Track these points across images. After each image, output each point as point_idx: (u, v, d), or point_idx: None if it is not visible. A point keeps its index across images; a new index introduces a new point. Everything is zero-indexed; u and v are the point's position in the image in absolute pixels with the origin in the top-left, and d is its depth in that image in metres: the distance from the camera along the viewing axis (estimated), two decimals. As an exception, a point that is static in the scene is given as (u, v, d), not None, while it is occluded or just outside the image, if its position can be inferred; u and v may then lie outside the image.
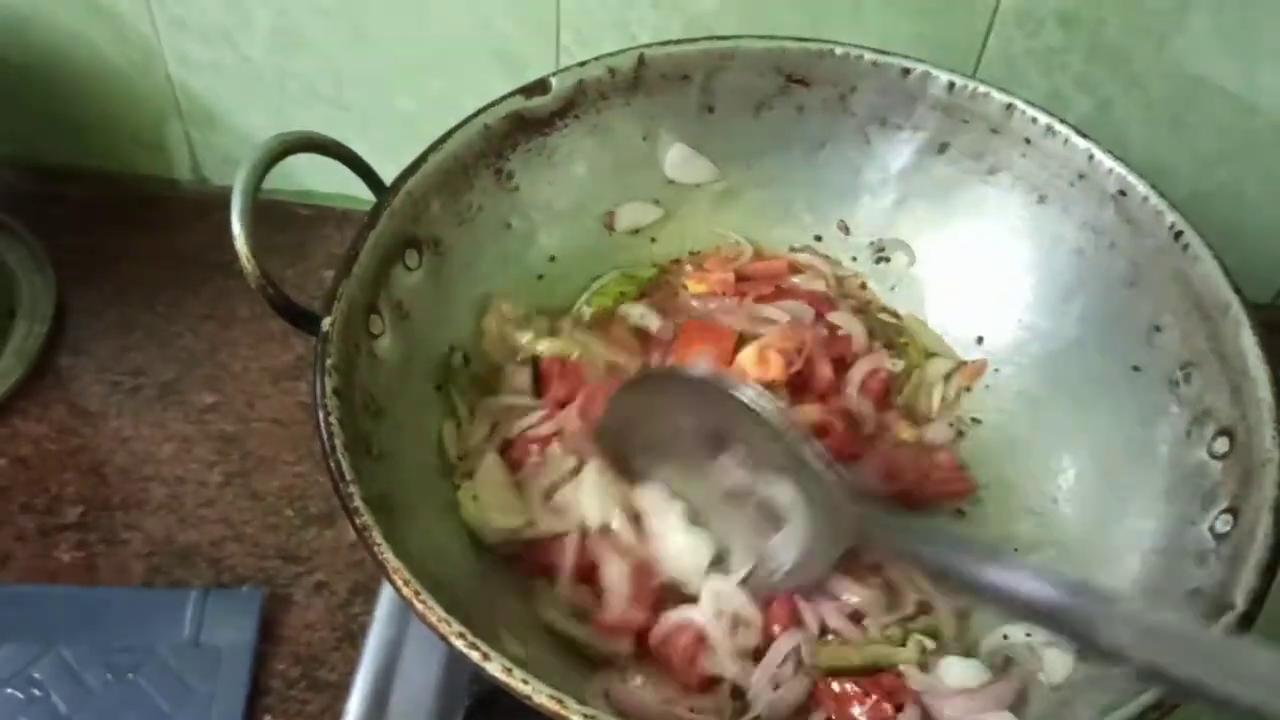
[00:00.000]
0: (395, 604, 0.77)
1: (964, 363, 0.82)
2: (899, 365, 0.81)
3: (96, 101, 1.00)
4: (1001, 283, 0.81)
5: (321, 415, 0.60)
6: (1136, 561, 0.68)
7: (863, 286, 0.85)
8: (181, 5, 0.92)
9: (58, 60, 0.97)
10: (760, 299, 0.81)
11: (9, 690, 0.73)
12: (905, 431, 0.79)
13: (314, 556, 0.82)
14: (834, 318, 0.81)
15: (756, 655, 0.67)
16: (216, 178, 1.05)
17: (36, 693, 0.74)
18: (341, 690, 0.75)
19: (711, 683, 0.66)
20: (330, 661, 0.77)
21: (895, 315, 0.84)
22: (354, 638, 0.78)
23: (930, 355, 0.82)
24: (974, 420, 0.80)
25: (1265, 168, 0.94)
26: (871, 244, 0.85)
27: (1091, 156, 0.75)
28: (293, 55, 0.94)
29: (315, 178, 1.03)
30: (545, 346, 0.76)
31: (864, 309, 0.84)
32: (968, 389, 0.81)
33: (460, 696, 0.71)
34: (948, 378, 0.81)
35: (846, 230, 0.86)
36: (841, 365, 0.79)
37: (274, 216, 1.02)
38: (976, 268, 0.82)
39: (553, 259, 0.81)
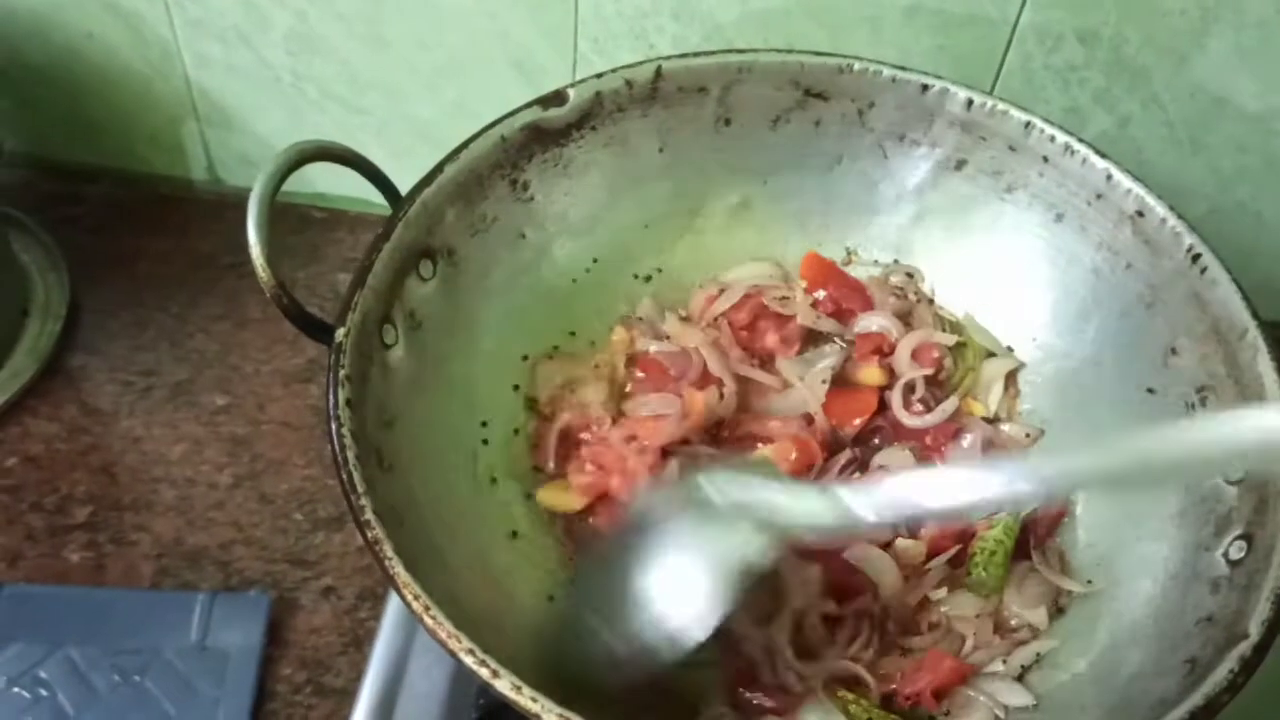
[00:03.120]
0: (403, 613, 0.77)
1: (1023, 364, 0.81)
2: (951, 339, 0.81)
3: (114, 102, 1.00)
4: (1017, 301, 0.81)
5: (334, 427, 0.60)
6: (1149, 586, 0.68)
7: (910, 277, 0.85)
8: (200, 7, 0.92)
9: (76, 61, 0.97)
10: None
11: (16, 690, 0.74)
12: (976, 409, 0.79)
13: (322, 561, 0.82)
14: (868, 319, 0.82)
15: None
16: (232, 179, 1.05)
17: (43, 693, 0.74)
18: (347, 696, 0.75)
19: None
20: (336, 667, 0.77)
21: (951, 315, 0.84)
22: (361, 643, 0.78)
23: (989, 355, 0.82)
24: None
25: (1284, 187, 0.94)
26: (876, 263, 0.85)
27: (1110, 176, 0.74)
28: (310, 59, 0.94)
29: (329, 181, 1.02)
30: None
31: (916, 304, 0.84)
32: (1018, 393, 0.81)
33: (467, 708, 0.71)
34: (1008, 378, 0.81)
35: (855, 253, 0.86)
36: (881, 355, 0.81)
37: (288, 219, 1.02)
38: (992, 286, 0.82)
39: (566, 271, 0.81)
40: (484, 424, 0.75)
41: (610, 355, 0.80)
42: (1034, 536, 0.74)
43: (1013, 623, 0.72)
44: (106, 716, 0.73)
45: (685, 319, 0.83)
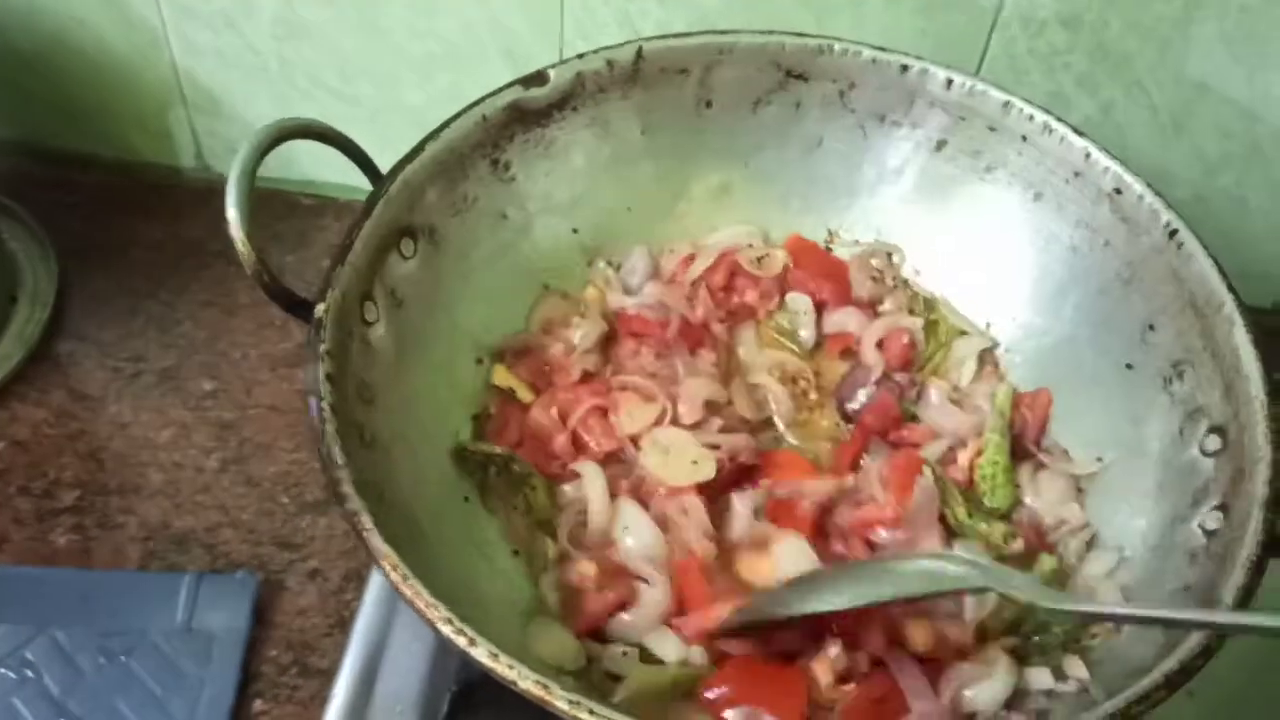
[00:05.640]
0: (384, 591, 0.78)
1: (996, 343, 0.82)
2: (918, 323, 0.82)
3: (102, 89, 1.00)
4: (996, 280, 0.81)
5: (314, 401, 0.60)
6: (1128, 559, 0.68)
7: (890, 257, 0.85)
8: (189, -8, 0.93)
9: (64, 47, 0.98)
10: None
11: (2, 671, 0.74)
12: (941, 385, 0.80)
13: (308, 544, 0.83)
14: (841, 316, 0.83)
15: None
16: (220, 166, 1.05)
17: (29, 674, 0.74)
18: (332, 677, 0.75)
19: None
20: (322, 648, 0.78)
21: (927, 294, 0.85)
22: (346, 625, 0.78)
23: (962, 333, 0.82)
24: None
25: (1267, 174, 0.94)
26: (857, 242, 0.86)
27: (1088, 154, 0.75)
28: (297, 44, 0.95)
29: (318, 168, 1.03)
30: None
31: (892, 290, 0.85)
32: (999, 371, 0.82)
33: (446, 682, 0.71)
34: (981, 356, 0.81)
35: (836, 235, 0.87)
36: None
37: (275, 205, 1.03)
38: (971, 265, 0.82)
39: (547, 253, 0.82)
40: (466, 402, 0.76)
41: (590, 309, 0.81)
42: (1027, 440, 0.76)
43: (1048, 521, 0.73)
44: (92, 697, 0.73)
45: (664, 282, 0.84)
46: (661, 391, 0.76)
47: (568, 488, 0.73)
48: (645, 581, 0.68)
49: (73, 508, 0.83)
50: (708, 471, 0.73)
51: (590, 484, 0.72)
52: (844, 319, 0.83)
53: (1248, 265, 0.96)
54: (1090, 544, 0.72)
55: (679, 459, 0.73)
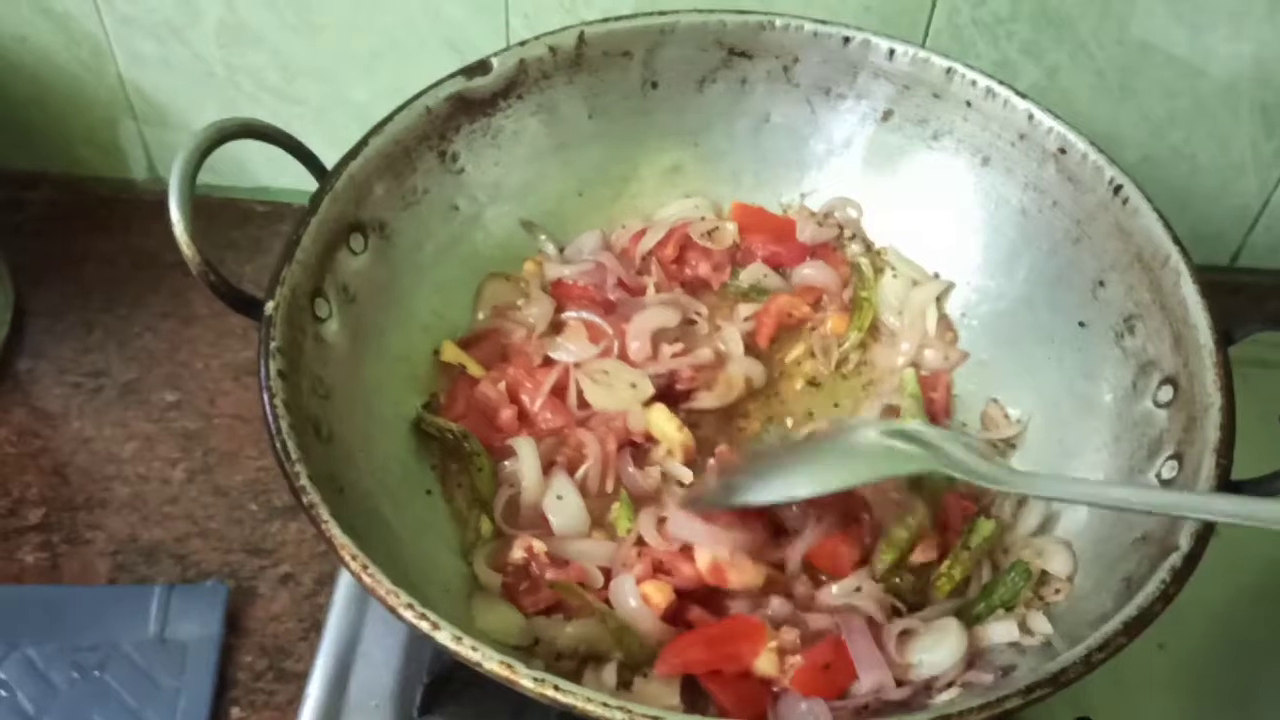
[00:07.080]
0: (356, 588, 0.77)
1: (952, 285, 0.82)
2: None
3: (49, 105, 1.00)
4: (949, 247, 0.82)
5: (266, 398, 0.60)
6: (1084, 512, 0.69)
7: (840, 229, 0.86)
8: (129, 2, 0.92)
9: (7, 65, 0.97)
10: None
11: (-26, 692, 0.74)
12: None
13: (279, 549, 0.82)
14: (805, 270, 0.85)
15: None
16: (173, 177, 1.05)
17: (3, 693, 0.74)
18: (309, 680, 0.75)
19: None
20: (297, 652, 0.77)
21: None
22: (320, 628, 0.78)
23: (915, 283, 0.83)
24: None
25: (1215, 130, 0.95)
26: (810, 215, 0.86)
27: (1031, 116, 0.76)
28: (242, 50, 0.94)
29: (271, 174, 1.02)
30: None
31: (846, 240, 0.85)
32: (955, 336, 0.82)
33: (420, 674, 0.71)
34: (940, 300, 0.82)
35: (789, 209, 0.87)
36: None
37: (230, 214, 1.02)
38: (924, 233, 0.83)
39: (500, 242, 0.82)
40: (425, 394, 0.76)
41: (530, 284, 0.82)
42: (938, 422, 0.78)
43: None
44: (67, 713, 0.73)
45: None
46: (611, 329, 0.78)
47: (507, 463, 0.73)
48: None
49: (39, 525, 0.83)
50: (646, 391, 0.75)
51: (524, 458, 0.72)
52: (812, 273, 0.84)
53: (1201, 224, 0.96)
54: (1022, 501, 0.73)
55: (617, 385, 0.75)
